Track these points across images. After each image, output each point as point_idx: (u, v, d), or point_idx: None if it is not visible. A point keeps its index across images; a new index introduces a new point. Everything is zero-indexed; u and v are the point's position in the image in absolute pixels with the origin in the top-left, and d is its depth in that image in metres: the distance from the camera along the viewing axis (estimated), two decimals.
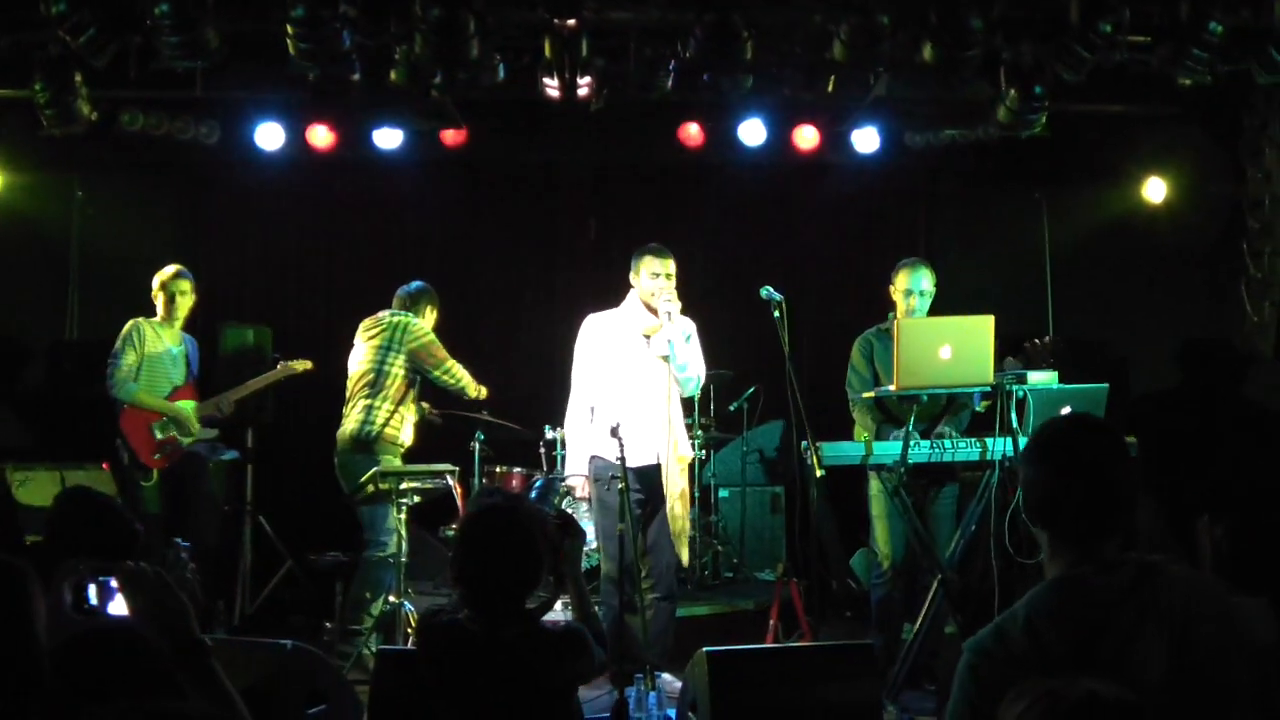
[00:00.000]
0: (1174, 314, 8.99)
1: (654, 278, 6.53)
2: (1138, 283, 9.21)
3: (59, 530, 3.86)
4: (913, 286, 6.65)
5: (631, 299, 6.66)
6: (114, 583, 2.66)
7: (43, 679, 2.51)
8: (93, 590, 2.66)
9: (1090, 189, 9.65)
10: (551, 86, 7.30)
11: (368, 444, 7.05)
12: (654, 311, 6.52)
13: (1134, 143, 9.18)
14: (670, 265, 6.56)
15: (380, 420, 7.10)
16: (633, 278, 6.63)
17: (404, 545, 6.87)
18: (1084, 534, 2.64)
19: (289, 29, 6.35)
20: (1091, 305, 9.46)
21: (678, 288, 6.55)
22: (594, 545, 6.69)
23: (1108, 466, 2.68)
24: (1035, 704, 1.72)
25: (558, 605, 5.71)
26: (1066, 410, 6.20)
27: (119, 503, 4.03)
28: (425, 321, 7.38)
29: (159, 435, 7.30)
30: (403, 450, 7.23)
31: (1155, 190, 9.37)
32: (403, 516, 6.82)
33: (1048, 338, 6.54)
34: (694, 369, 6.62)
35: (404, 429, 7.23)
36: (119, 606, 2.63)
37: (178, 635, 2.57)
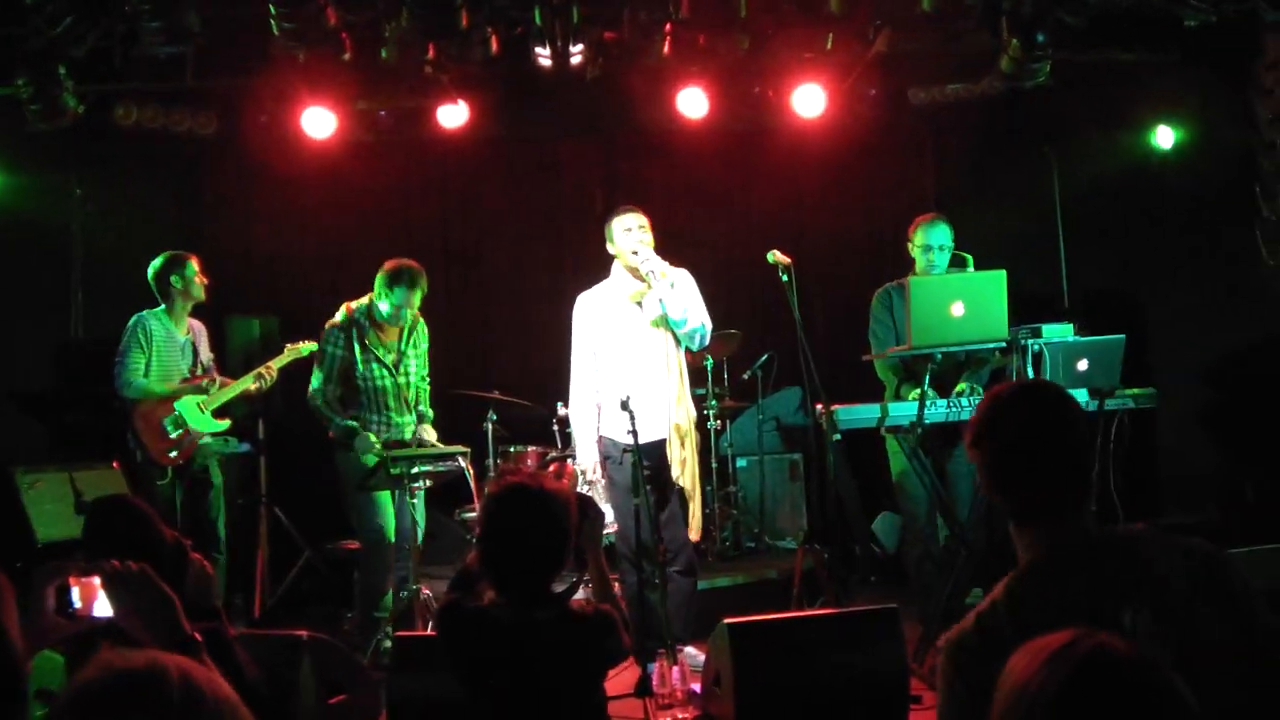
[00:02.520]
0: (1189, 261, 8.86)
1: (628, 233, 6.39)
2: (1151, 231, 9.08)
3: (93, 543, 3.77)
4: (931, 241, 6.59)
5: (616, 270, 6.54)
6: (97, 583, 2.57)
7: (21, 687, 2.47)
8: (76, 592, 2.57)
9: (1099, 139, 9.52)
10: (544, 56, 7.21)
11: None
12: (640, 277, 6.39)
13: (1142, 90, 9.05)
14: (641, 218, 6.41)
15: None
16: (610, 247, 6.50)
17: (420, 530, 6.82)
18: (1056, 509, 2.54)
19: (271, 8, 6.25)
20: (1105, 256, 9.34)
21: (673, 252, 6.43)
22: (613, 526, 6.58)
23: (1066, 432, 2.59)
24: (1042, 663, 1.63)
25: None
26: (1083, 365, 6.16)
27: (152, 514, 3.94)
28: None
29: (172, 432, 7.22)
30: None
31: (1165, 137, 9.26)
32: (416, 501, 6.75)
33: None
34: (694, 317, 6.39)
35: None
36: (103, 607, 2.55)
37: (166, 633, 2.50)
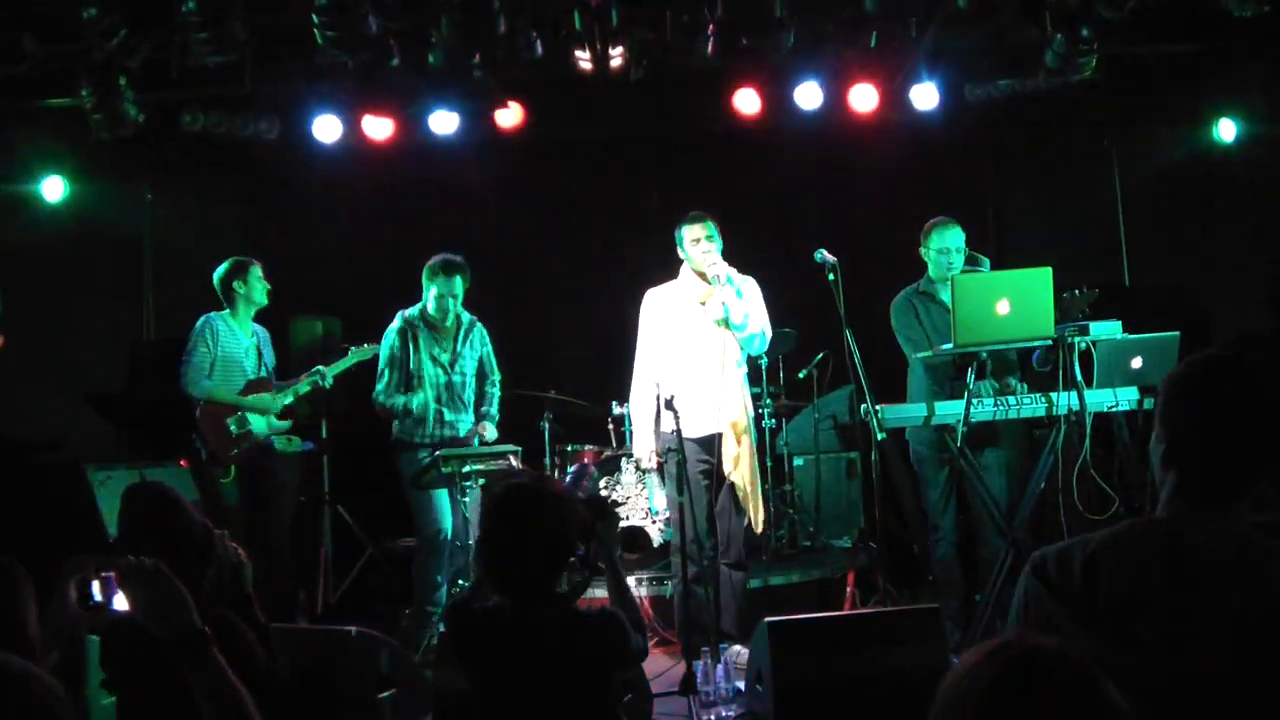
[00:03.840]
0: (1252, 256, 8.73)
1: (695, 244, 6.55)
2: (1215, 226, 8.96)
3: (126, 529, 3.89)
4: (947, 244, 6.65)
5: (685, 271, 6.68)
6: (116, 577, 2.67)
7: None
8: (96, 586, 2.67)
9: (1160, 132, 9.44)
10: (584, 59, 7.26)
11: None
12: (706, 280, 6.50)
13: (1202, 83, 8.93)
14: (709, 228, 6.55)
15: None
16: (680, 252, 6.64)
17: (471, 529, 6.91)
18: (1215, 487, 2.37)
19: (314, 18, 6.38)
20: (1167, 251, 9.24)
21: (733, 252, 6.51)
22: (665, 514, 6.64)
23: (1264, 414, 2.37)
24: (976, 661, 1.67)
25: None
26: (1137, 362, 6.11)
27: (184, 499, 4.04)
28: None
29: (234, 430, 7.35)
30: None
31: (1227, 130, 9.13)
32: (468, 500, 6.85)
33: (1084, 289, 6.37)
34: (755, 323, 6.55)
35: None
36: (122, 601, 2.65)
37: (179, 627, 2.59)
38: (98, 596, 2.66)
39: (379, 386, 7.21)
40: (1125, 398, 6.12)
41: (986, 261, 6.90)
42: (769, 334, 6.68)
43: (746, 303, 6.51)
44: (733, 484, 6.47)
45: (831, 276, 6.30)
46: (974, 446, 6.45)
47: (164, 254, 9.65)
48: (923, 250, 6.75)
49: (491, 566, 3.48)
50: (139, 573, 2.62)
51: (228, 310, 7.48)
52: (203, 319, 7.41)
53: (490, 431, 7.30)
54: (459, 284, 7.13)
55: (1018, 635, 1.70)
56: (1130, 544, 2.32)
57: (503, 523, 3.49)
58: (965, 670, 1.68)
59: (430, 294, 7.15)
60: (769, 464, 8.71)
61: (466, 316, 7.31)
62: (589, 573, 4.03)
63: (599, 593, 7.33)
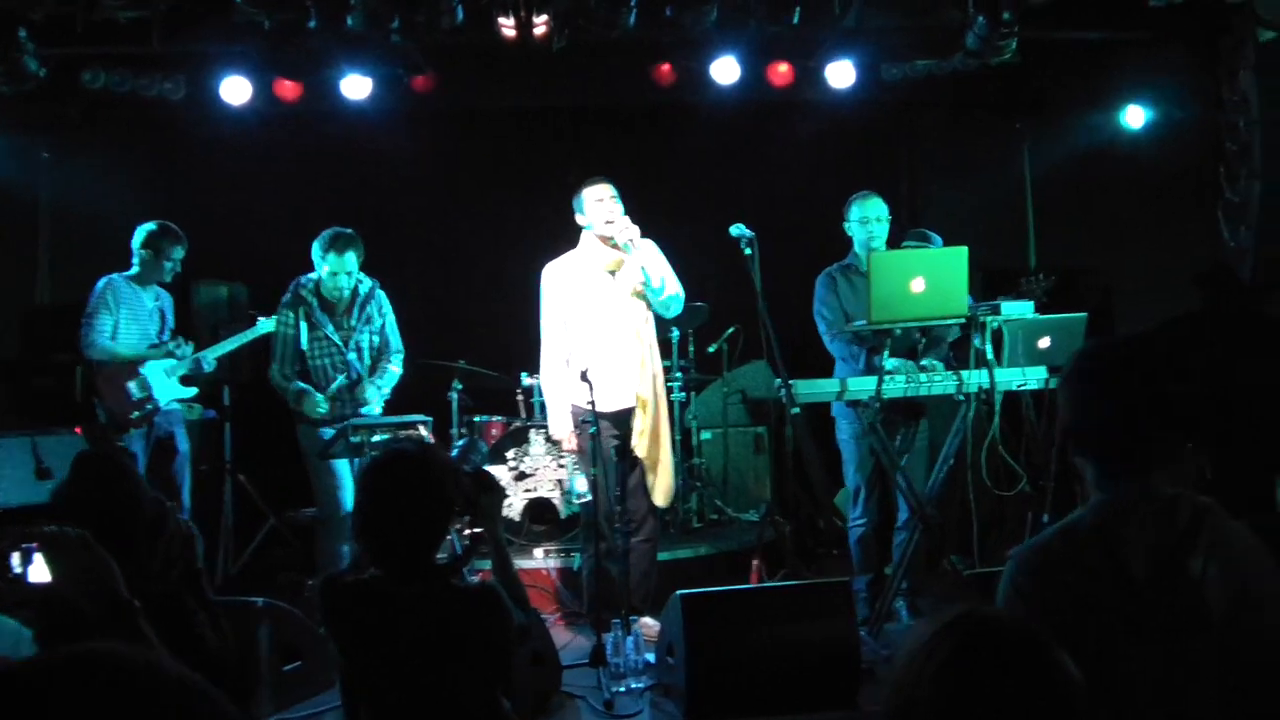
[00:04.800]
0: (1155, 241, 8.88)
1: (599, 204, 6.46)
2: (1119, 210, 9.10)
3: (72, 497, 3.75)
4: (869, 214, 6.66)
5: (586, 240, 6.57)
6: (36, 547, 2.57)
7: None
8: (15, 557, 2.57)
9: (1071, 117, 9.56)
10: (507, 26, 7.17)
11: None
12: (612, 246, 6.42)
13: (1113, 69, 9.07)
14: (610, 188, 6.49)
15: None
16: (580, 219, 6.55)
17: None
18: (1134, 464, 2.46)
19: None
20: (1074, 234, 9.39)
21: (646, 225, 6.46)
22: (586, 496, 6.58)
23: (1165, 387, 2.47)
24: (933, 631, 1.67)
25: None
26: (1045, 342, 6.20)
27: (135, 470, 3.92)
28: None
29: (136, 394, 7.20)
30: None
31: (1135, 116, 9.28)
32: None
33: (1042, 275, 6.50)
34: (671, 283, 6.48)
35: None
36: (40, 572, 2.55)
37: (104, 597, 2.51)
38: (17, 569, 2.56)
39: (274, 366, 7.04)
40: (1034, 376, 6.19)
41: (938, 239, 6.94)
42: (683, 293, 6.60)
43: (661, 266, 6.46)
44: (639, 459, 6.44)
45: (748, 251, 6.29)
46: (903, 423, 6.51)
47: (61, 216, 9.39)
48: (846, 225, 6.76)
49: (366, 536, 3.35)
50: (61, 542, 2.53)
51: (134, 271, 7.30)
52: (104, 280, 7.22)
53: (371, 393, 7.06)
54: (352, 259, 6.88)
55: (971, 608, 1.70)
56: (1119, 521, 2.41)
57: (379, 491, 3.36)
58: (922, 644, 1.68)
59: (323, 270, 6.90)
60: (677, 438, 8.71)
61: (366, 283, 7.08)
62: (470, 546, 3.95)
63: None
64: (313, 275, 6.99)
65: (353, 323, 7.01)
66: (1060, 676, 1.62)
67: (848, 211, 6.74)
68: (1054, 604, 2.36)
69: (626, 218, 6.38)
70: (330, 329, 6.94)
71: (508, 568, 3.71)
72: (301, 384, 6.89)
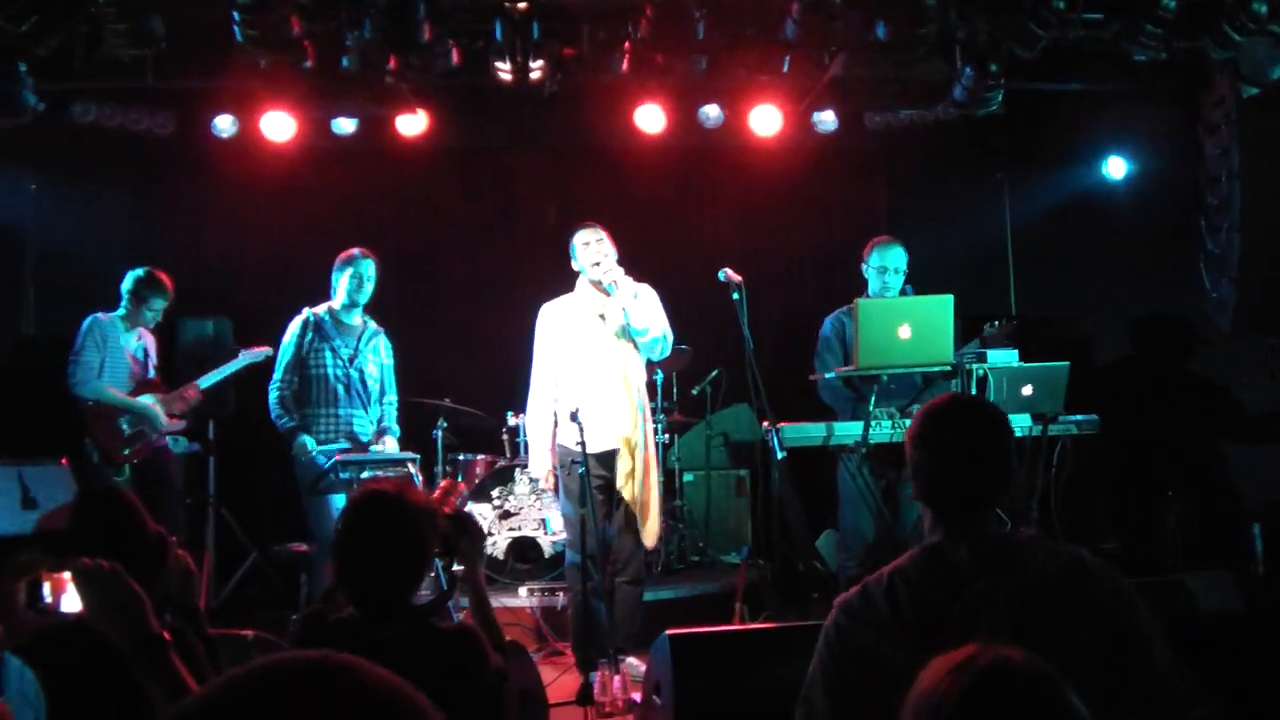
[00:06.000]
0: (1136, 291, 8.98)
1: (586, 247, 6.56)
2: (1100, 260, 9.21)
3: (79, 532, 3.77)
4: (887, 264, 6.70)
5: (581, 284, 6.66)
6: (68, 578, 2.60)
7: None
8: (46, 587, 2.60)
9: (1052, 167, 9.68)
10: (504, 70, 7.26)
11: None
12: (602, 290, 6.51)
13: (1095, 121, 9.20)
14: (599, 233, 6.59)
15: None
16: (574, 265, 6.64)
17: None
18: (960, 509, 2.79)
19: (236, 15, 6.29)
20: (1054, 283, 9.48)
21: (631, 267, 6.53)
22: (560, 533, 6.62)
23: (985, 445, 2.84)
24: (946, 673, 1.72)
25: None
26: (1028, 390, 6.28)
27: (140, 506, 3.94)
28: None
29: (127, 430, 7.23)
30: None
31: (1116, 168, 9.41)
32: None
33: (1002, 320, 6.58)
34: (655, 327, 6.53)
35: None
36: (72, 602, 2.58)
37: (134, 630, 2.53)
38: (48, 598, 2.59)
39: (276, 376, 7.08)
40: (1017, 424, 6.25)
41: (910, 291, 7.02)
42: (670, 338, 6.64)
43: (645, 307, 6.52)
44: (624, 501, 6.49)
45: (736, 296, 6.35)
46: (895, 467, 6.57)
47: (46, 247, 9.38)
48: (864, 267, 6.82)
49: (344, 575, 3.30)
50: (94, 575, 2.55)
51: (119, 312, 7.36)
52: (90, 319, 7.30)
53: (392, 445, 7.20)
54: (371, 266, 7.09)
55: (983, 647, 1.75)
56: (916, 571, 2.73)
57: (355, 530, 3.32)
58: (933, 683, 1.73)
59: (341, 281, 7.07)
60: (660, 479, 8.74)
61: (372, 326, 7.22)
62: (448, 588, 3.94)
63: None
64: (325, 304, 7.14)
65: (361, 345, 7.12)
66: (1070, 714, 1.66)
67: (868, 256, 6.78)
68: (848, 658, 2.70)
69: (612, 260, 6.46)
70: (339, 343, 7.03)
71: (486, 610, 3.70)
72: (293, 424, 6.94)
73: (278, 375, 7.08)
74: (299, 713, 1.17)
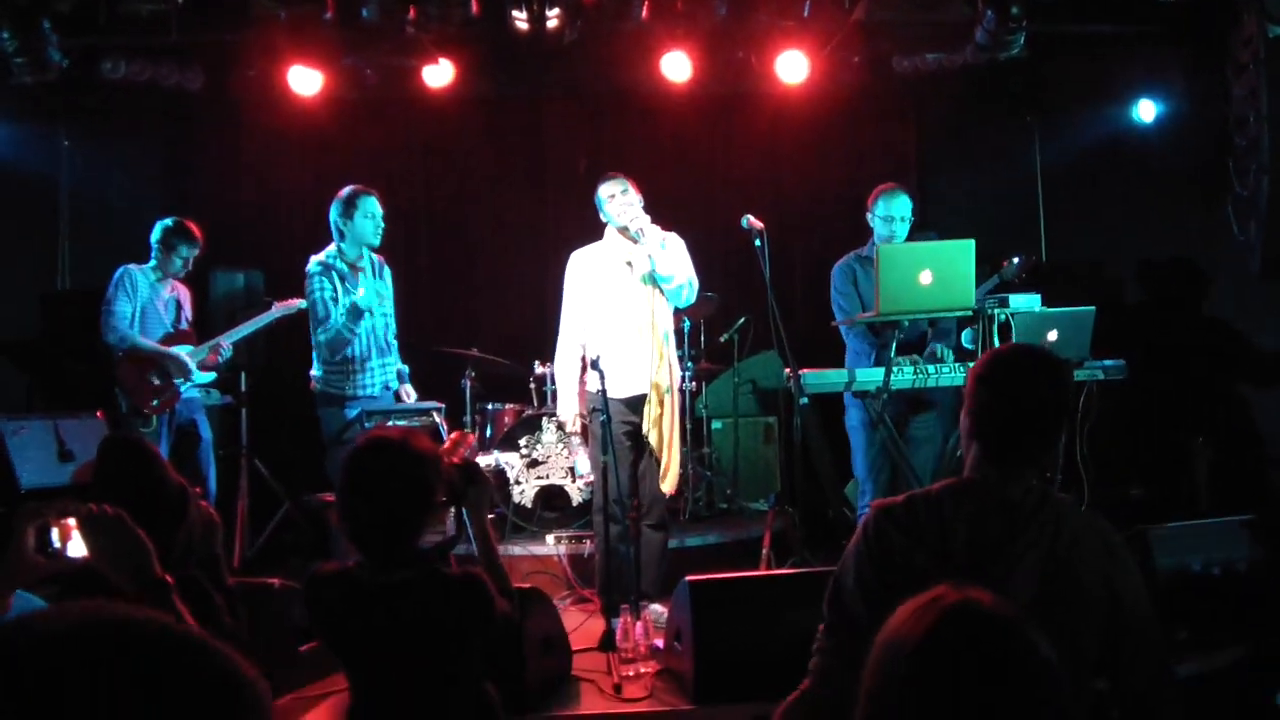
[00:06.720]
0: (1165, 234, 8.91)
1: (612, 199, 6.54)
2: (1129, 204, 9.12)
3: (100, 480, 3.84)
4: (893, 212, 6.67)
5: (609, 233, 6.68)
6: (73, 523, 2.66)
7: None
8: (55, 532, 2.66)
9: (1081, 111, 9.57)
10: (520, 19, 7.23)
11: None
12: (629, 238, 6.53)
13: (1123, 64, 9.09)
14: (624, 183, 6.55)
15: None
16: (603, 214, 6.64)
17: None
18: (1010, 456, 2.82)
19: None
20: (1084, 227, 9.39)
21: (657, 217, 6.53)
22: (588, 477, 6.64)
23: (1048, 402, 2.87)
24: (912, 611, 1.74)
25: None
26: (1053, 335, 6.25)
27: (160, 455, 4.01)
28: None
29: (156, 381, 7.31)
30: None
31: (1146, 110, 9.30)
32: None
33: (1022, 258, 6.53)
34: (680, 274, 6.50)
35: None
36: (78, 548, 2.64)
37: (138, 575, 2.58)
38: (56, 543, 2.64)
39: (320, 327, 6.78)
40: None
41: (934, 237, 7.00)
42: (696, 284, 6.62)
43: (672, 255, 6.52)
44: (649, 445, 6.52)
45: (758, 243, 6.34)
46: (911, 413, 6.58)
47: (80, 202, 9.49)
48: (869, 216, 6.80)
49: (347, 522, 3.33)
50: (98, 520, 2.61)
51: (150, 264, 7.44)
52: (121, 270, 7.37)
53: (411, 393, 7.14)
54: (377, 202, 6.85)
55: (947, 588, 1.76)
56: (968, 496, 2.79)
57: (358, 477, 3.34)
58: (900, 622, 1.74)
59: (354, 224, 6.80)
60: (688, 427, 8.77)
61: (377, 260, 7.08)
62: (456, 531, 3.94)
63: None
64: (329, 251, 6.91)
65: (382, 290, 7.02)
66: (1034, 658, 1.68)
67: (873, 205, 6.77)
68: (883, 558, 2.76)
69: (638, 208, 6.47)
70: (356, 292, 6.84)
71: (493, 557, 3.69)
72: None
73: (328, 320, 6.78)
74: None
